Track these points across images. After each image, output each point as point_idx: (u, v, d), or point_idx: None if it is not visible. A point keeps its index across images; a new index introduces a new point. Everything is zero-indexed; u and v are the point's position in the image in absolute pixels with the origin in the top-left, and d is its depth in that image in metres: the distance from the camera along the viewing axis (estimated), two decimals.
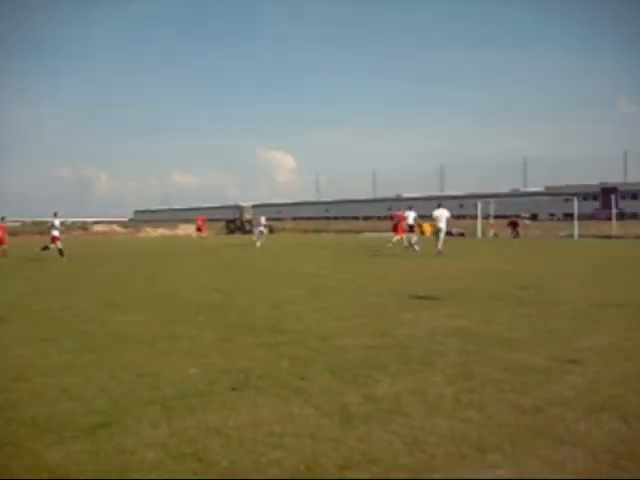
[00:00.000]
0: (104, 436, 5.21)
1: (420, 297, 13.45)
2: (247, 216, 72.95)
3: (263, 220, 41.37)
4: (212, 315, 11.44)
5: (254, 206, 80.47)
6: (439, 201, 32.17)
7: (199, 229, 52.23)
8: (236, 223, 72.63)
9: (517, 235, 48.89)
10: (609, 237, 48.70)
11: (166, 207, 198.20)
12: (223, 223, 75.95)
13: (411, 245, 30.06)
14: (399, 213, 33.45)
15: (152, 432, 5.29)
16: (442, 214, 28.49)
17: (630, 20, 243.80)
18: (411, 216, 31.97)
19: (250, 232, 67.93)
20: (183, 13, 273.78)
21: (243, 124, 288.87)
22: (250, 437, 5.12)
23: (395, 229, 32.50)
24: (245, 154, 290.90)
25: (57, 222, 28.72)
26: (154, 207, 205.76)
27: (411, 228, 31.69)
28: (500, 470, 4.46)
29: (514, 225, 50.16)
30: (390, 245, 31.41)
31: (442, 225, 28.31)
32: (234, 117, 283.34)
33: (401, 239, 31.88)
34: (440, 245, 27.58)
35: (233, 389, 6.54)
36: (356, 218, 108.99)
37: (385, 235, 55.50)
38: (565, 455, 4.71)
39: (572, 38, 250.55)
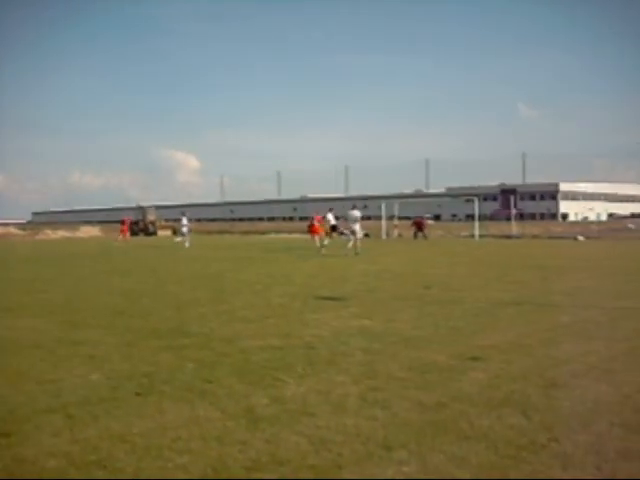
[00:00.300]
0: (2, 446, 5.03)
1: (325, 298, 13.51)
2: (150, 217, 71.89)
3: (185, 220, 41.31)
4: (115, 319, 11.22)
5: (157, 207, 79.34)
6: (354, 202, 32.45)
7: (123, 231, 50.13)
8: (139, 225, 71.41)
9: (424, 236, 47.92)
10: (509, 237, 50.01)
11: (66, 208, 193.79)
12: None
13: (322, 246, 30.51)
14: (318, 216, 33.76)
15: (53, 441, 5.14)
16: (354, 215, 28.96)
17: (529, 29, 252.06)
18: (332, 217, 32.29)
19: (154, 234, 67.12)
20: (84, 10, 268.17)
21: (145, 124, 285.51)
22: (156, 443, 5.04)
23: (314, 231, 32.69)
24: (147, 154, 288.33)
25: None
26: (53, 208, 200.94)
27: (334, 229, 32.04)
28: (406, 467, 4.52)
29: (419, 226, 49.24)
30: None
31: (356, 227, 28.74)
32: (135, 116, 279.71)
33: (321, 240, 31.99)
34: (358, 244, 28.14)
35: (137, 394, 6.42)
36: (261, 219, 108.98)
37: (291, 236, 55.61)
38: (469, 450, 4.82)
39: (473, 44, 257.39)
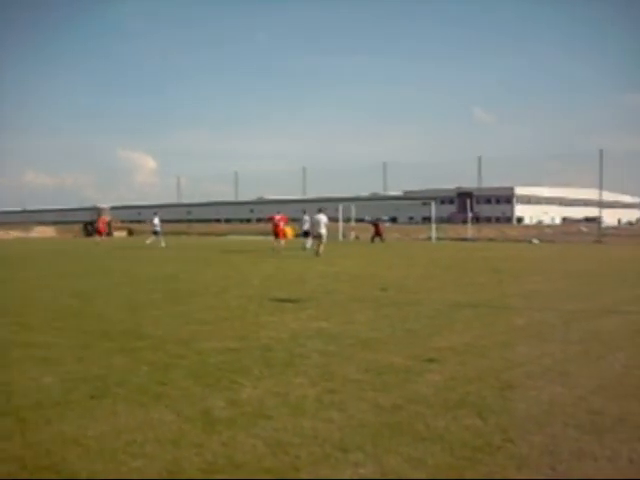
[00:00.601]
0: None
1: (282, 300, 13.48)
2: (106, 218, 70.95)
3: (157, 220, 41.15)
4: (68, 321, 11.06)
5: (113, 208, 78.50)
6: (320, 206, 32.87)
7: (99, 231, 49.48)
8: (94, 225, 70.36)
9: (382, 239, 47.02)
10: (465, 239, 50.45)
11: (19, 209, 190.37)
12: (81, 225, 73.51)
13: (304, 248, 32.22)
14: (277, 216, 34.29)
15: (5, 445, 5.04)
16: (321, 219, 29.76)
17: (484, 34, 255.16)
18: (307, 221, 32.79)
19: (109, 234, 66.31)
20: (38, 9, 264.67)
21: (102, 124, 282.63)
22: (110, 446, 4.98)
23: (277, 233, 33.52)
24: (104, 154, 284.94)
25: None
26: (5, 209, 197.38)
27: (306, 233, 32.65)
28: (363, 469, 4.53)
29: (376, 228, 48.36)
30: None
31: (323, 230, 29.49)
32: (93, 117, 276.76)
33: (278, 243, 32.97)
34: (322, 248, 28.90)
35: (91, 397, 6.33)
36: (218, 220, 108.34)
37: (249, 238, 55.44)
38: (425, 451, 4.84)
39: (430, 47, 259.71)
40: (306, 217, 33.83)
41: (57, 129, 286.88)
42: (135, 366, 7.62)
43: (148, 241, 39.09)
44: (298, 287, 16.25)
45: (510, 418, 5.63)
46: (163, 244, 39.26)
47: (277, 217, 34.08)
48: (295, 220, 41.49)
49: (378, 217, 53.31)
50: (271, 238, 34.95)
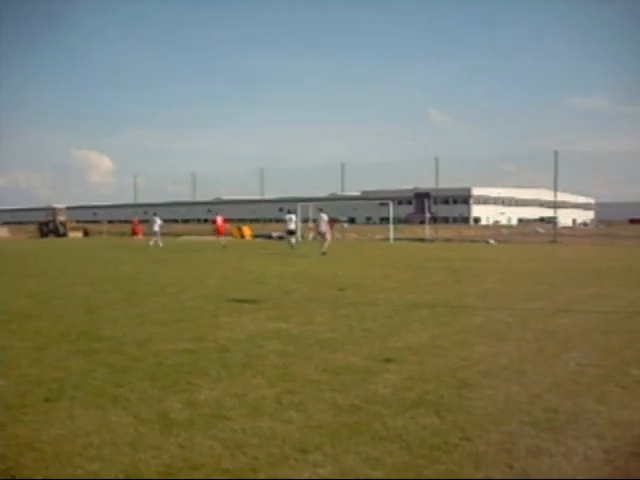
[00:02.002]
0: None
1: (239, 300, 13.43)
2: (61, 218, 69.96)
3: (158, 220, 41.86)
4: (23, 323, 10.89)
5: (68, 208, 77.44)
6: (320, 206, 33.90)
7: (135, 232, 49.25)
8: (49, 226, 69.36)
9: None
10: (422, 240, 50.70)
11: None
12: (35, 226, 72.36)
13: (291, 246, 34.40)
14: (219, 218, 39.31)
15: None
16: (323, 218, 31.53)
17: (439, 35, 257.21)
18: (292, 220, 34.14)
19: (64, 235, 65.46)
20: None
21: (57, 123, 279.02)
22: (66, 450, 4.91)
23: (219, 232, 38.89)
24: (59, 154, 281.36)
25: None
26: None
27: (291, 232, 34.09)
28: (322, 469, 4.53)
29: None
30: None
31: (323, 229, 31.28)
32: (47, 115, 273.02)
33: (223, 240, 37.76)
34: (326, 245, 30.37)
35: (46, 400, 6.25)
36: (175, 221, 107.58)
37: (205, 238, 55.14)
38: (383, 450, 4.86)
39: (384, 49, 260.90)
40: (291, 216, 34.76)
41: (9, 127, 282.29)
42: (92, 368, 7.54)
43: (160, 244, 39.44)
44: (256, 287, 16.21)
45: (467, 416, 5.68)
46: (158, 243, 40.27)
47: (219, 219, 39.11)
48: (252, 221, 42.53)
49: (335, 217, 52.71)
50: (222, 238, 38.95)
